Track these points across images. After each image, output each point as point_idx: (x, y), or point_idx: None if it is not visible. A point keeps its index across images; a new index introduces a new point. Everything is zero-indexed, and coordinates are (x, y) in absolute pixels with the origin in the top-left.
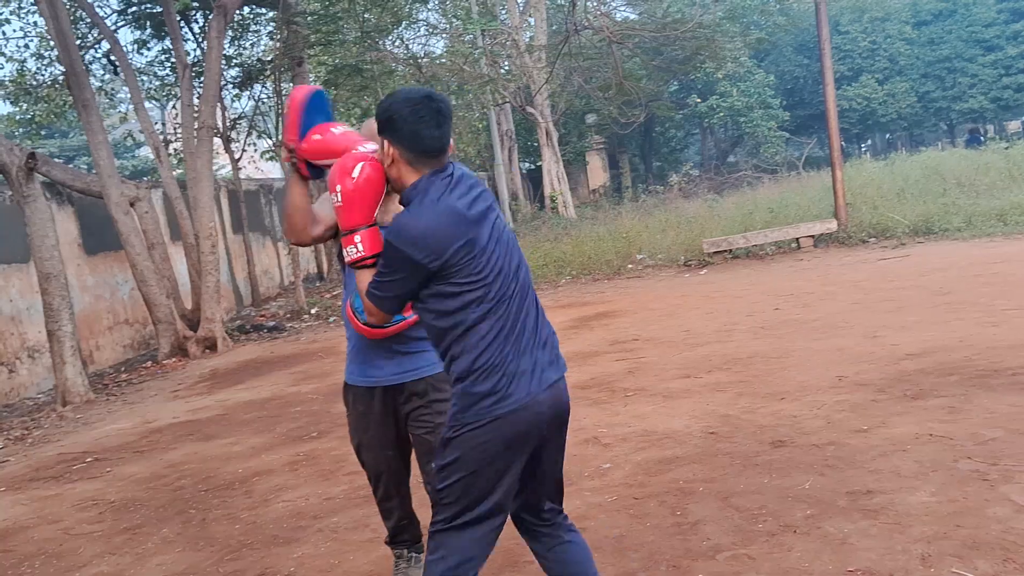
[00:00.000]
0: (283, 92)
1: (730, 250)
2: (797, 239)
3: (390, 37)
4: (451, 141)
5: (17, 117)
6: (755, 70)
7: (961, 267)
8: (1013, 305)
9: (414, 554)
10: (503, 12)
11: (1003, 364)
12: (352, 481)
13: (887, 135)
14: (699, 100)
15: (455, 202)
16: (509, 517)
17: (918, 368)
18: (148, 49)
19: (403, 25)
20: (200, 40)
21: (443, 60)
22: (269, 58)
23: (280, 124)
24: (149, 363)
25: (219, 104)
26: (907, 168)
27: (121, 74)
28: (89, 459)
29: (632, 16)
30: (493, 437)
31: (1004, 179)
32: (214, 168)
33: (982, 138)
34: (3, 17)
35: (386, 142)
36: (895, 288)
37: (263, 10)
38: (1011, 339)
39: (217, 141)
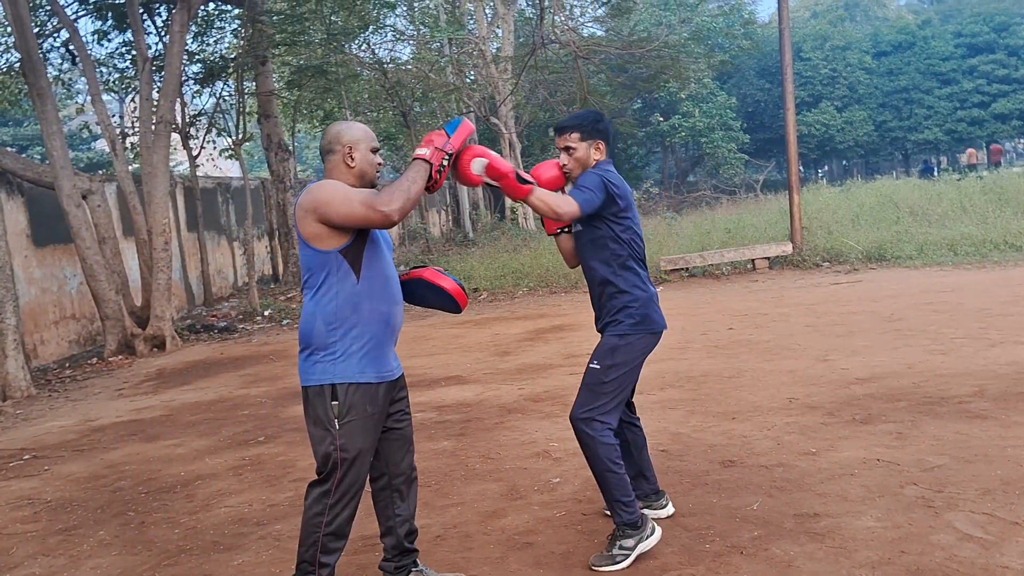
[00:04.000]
0: (246, 90)
1: (687, 268)
2: (753, 260)
3: (356, 41)
4: None
5: None
6: (717, 92)
7: (912, 294)
8: (961, 334)
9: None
10: (471, 22)
11: (950, 392)
12: (298, 488)
13: (844, 162)
14: (661, 119)
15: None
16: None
17: (867, 393)
18: (108, 40)
19: (370, 29)
20: (162, 34)
21: (409, 66)
22: (232, 56)
23: (241, 123)
24: (95, 360)
25: (179, 100)
26: (862, 195)
27: (79, 64)
28: (27, 456)
29: (599, 33)
30: (646, 347)
31: (956, 210)
32: (171, 164)
33: (935, 169)
34: None
35: (602, 142)
36: (847, 312)
37: (228, 7)
38: (958, 367)
39: (175, 137)
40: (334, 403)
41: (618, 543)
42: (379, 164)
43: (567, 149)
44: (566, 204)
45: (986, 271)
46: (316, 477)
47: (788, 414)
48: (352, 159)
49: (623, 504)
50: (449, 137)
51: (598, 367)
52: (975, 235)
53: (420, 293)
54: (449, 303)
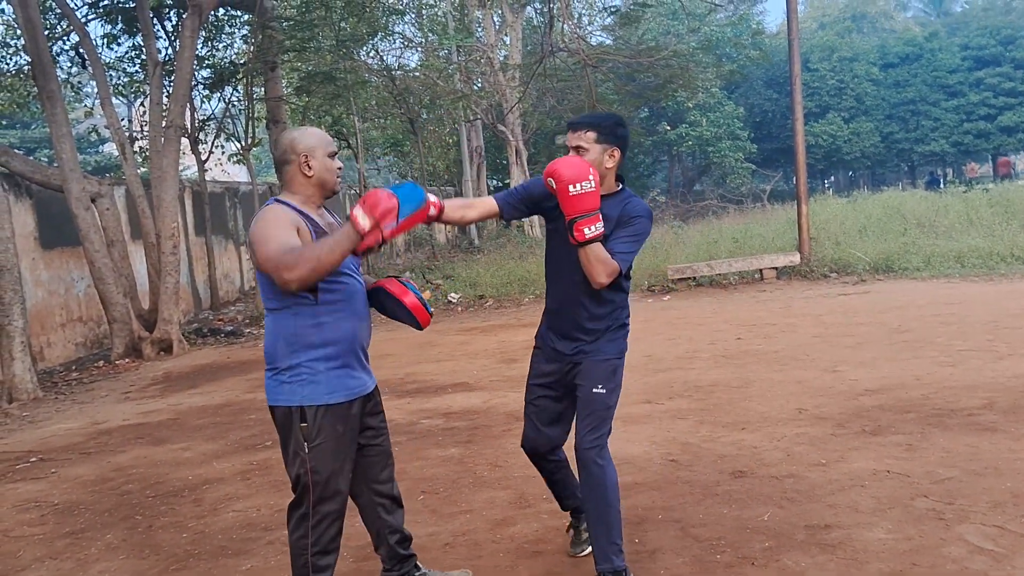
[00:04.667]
0: (255, 96)
1: (694, 277)
2: (760, 270)
3: (365, 47)
4: None
5: None
6: (725, 101)
7: (919, 306)
8: (969, 346)
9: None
10: (479, 29)
11: (959, 404)
12: None
13: (850, 172)
14: (669, 128)
15: None
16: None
17: (876, 404)
18: (118, 44)
19: (379, 36)
20: (172, 38)
21: (417, 73)
22: (242, 61)
23: (250, 128)
24: (101, 363)
25: (188, 104)
26: (869, 206)
27: (89, 68)
28: (34, 459)
29: (607, 41)
30: None
31: (963, 222)
32: (180, 168)
33: (941, 181)
34: None
35: (618, 149)
36: (855, 323)
37: (239, 13)
38: (967, 380)
39: (184, 141)
40: (303, 425)
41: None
42: (339, 168)
43: (577, 149)
44: (608, 269)
45: (993, 283)
46: (291, 503)
47: (798, 425)
48: (309, 168)
49: (618, 548)
50: (399, 220)
51: (604, 391)
52: (982, 247)
53: (389, 306)
54: (410, 319)
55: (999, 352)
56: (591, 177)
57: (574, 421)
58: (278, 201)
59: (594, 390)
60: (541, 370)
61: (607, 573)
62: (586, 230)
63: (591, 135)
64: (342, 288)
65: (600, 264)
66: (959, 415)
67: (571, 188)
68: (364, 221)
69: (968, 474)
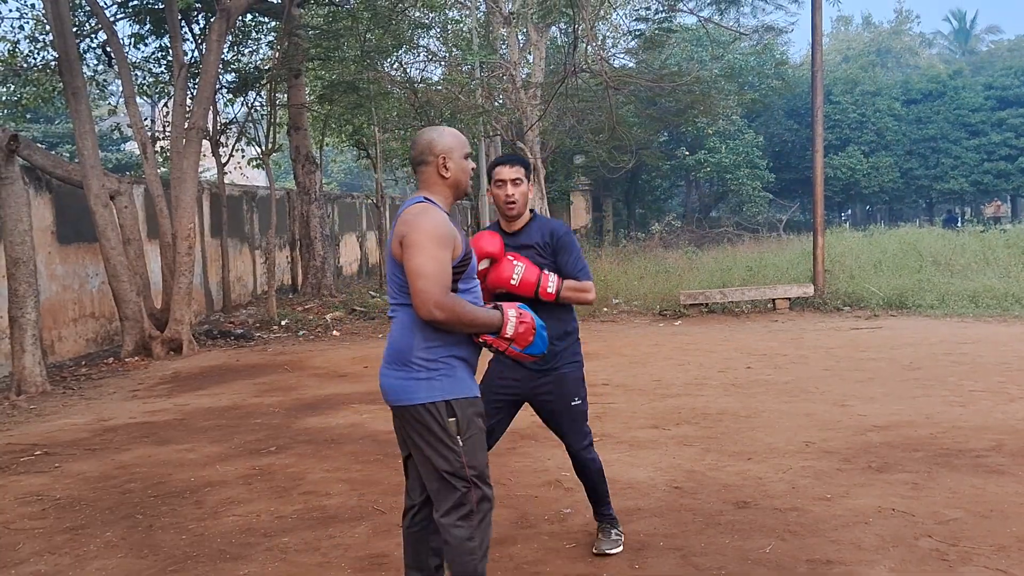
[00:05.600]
0: (277, 102)
1: (706, 304)
2: (773, 300)
3: (389, 59)
4: None
5: (4, 98)
6: (745, 129)
7: (931, 344)
8: (981, 387)
9: None
10: (503, 47)
11: (967, 445)
12: (307, 501)
13: (868, 207)
14: (687, 153)
15: None
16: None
17: (884, 441)
18: (145, 45)
19: (403, 49)
20: (199, 41)
21: (439, 87)
22: (267, 67)
23: (271, 133)
24: (111, 359)
25: (211, 107)
26: (885, 241)
27: (115, 66)
28: (38, 452)
29: (630, 64)
30: None
31: (979, 261)
32: (199, 170)
33: (959, 219)
34: None
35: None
36: (866, 358)
37: (266, 19)
38: (977, 421)
39: (205, 144)
40: (451, 420)
41: (616, 529)
42: (473, 168)
43: (515, 181)
44: (590, 290)
45: (1007, 325)
46: (446, 507)
47: (804, 457)
48: (447, 169)
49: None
50: (518, 351)
51: (579, 402)
52: (997, 288)
53: None
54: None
55: (1010, 394)
56: (516, 267)
57: (557, 431)
58: (431, 202)
59: (572, 403)
60: (501, 384)
61: (613, 517)
62: (548, 288)
63: (523, 171)
64: (474, 290)
65: (580, 293)
66: (967, 456)
67: (512, 281)
68: (510, 330)
69: (973, 516)
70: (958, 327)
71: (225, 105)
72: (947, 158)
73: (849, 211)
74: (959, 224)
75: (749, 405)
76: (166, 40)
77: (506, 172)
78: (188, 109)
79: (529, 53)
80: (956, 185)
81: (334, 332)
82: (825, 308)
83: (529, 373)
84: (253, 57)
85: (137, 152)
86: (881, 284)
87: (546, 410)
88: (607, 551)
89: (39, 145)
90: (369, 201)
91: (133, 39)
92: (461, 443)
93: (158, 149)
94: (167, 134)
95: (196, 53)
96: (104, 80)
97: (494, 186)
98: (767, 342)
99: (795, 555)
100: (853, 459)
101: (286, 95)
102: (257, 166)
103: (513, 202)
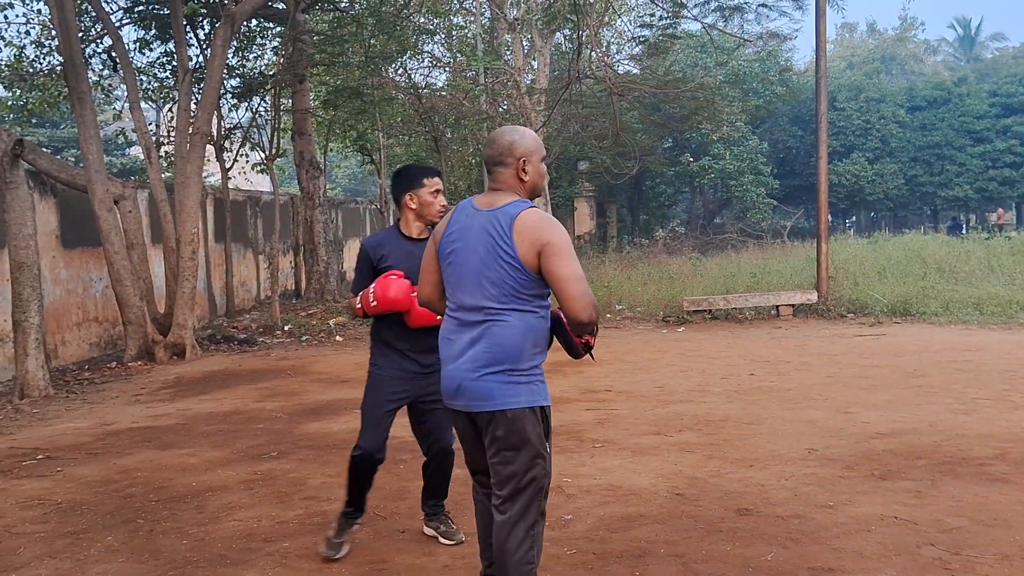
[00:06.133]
0: (282, 107)
1: (710, 310)
2: (777, 307)
3: (393, 65)
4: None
5: (9, 103)
6: (750, 136)
7: (935, 351)
8: (984, 395)
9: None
10: (508, 53)
11: (971, 453)
12: (308, 507)
13: (872, 213)
14: (692, 159)
15: None
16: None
17: (887, 448)
18: (150, 50)
19: (408, 54)
20: (204, 46)
21: (443, 93)
22: (271, 72)
23: (275, 138)
24: (114, 364)
25: (216, 112)
26: (889, 248)
27: (120, 71)
28: (40, 456)
29: (634, 71)
30: None
31: (983, 269)
32: (203, 175)
33: (963, 227)
34: (7, 1)
35: None
36: (870, 366)
37: (271, 25)
38: (980, 429)
39: (209, 149)
40: (543, 424)
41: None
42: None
43: (439, 192)
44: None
45: (1012, 332)
46: (516, 515)
47: (806, 465)
48: (525, 172)
49: None
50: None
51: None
52: (1002, 295)
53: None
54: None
55: (1014, 402)
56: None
57: (432, 430)
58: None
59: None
60: (392, 391)
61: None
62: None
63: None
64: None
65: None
66: (970, 464)
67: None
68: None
69: (977, 524)
70: (962, 334)
71: (229, 110)
72: (952, 165)
73: (853, 218)
74: (964, 231)
75: (752, 412)
76: (171, 45)
77: (439, 182)
78: (192, 114)
79: (533, 59)
80: (961, 192)
81: (337, 337)
82: (829, 315)
83: (415, 376)
84: (257, 62)
85: (141, 157)
86: (885, 291)
87: (429, 410)
88: (453, 540)
89: (44, 149)
90: (373, 207)
91: (138, 44)
92: (548, 450)
93: (162, 154)
94: (171, 139)
95: (201, 58)
96: (109, 85)
97: (428, 194)
98: (770, 349)
99: (797, 563)
100: (856, 466)
101: (290, 100)
102: (261, 171)
103: (444, 212)
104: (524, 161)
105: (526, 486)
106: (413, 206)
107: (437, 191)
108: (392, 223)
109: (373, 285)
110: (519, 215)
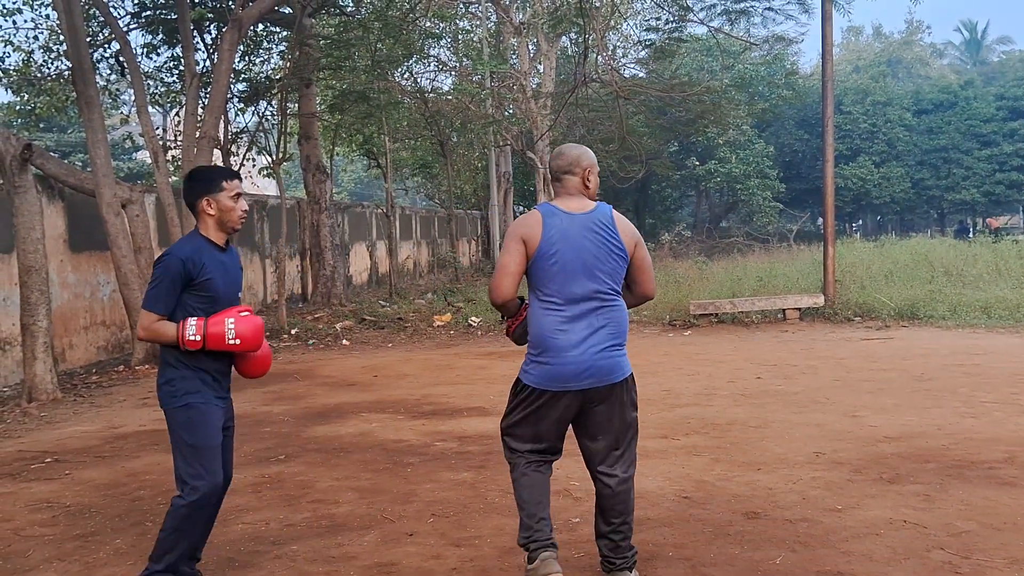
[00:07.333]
0: (288, 111)
1: (716, 314)
2: (784, 310)
3: (400, 69)
4: None
5: (18, 107)
6: (756, 139)
7: (943, 355)
8: (993, 398)
9: None
10: (514, 56)
11: (980, 456)
12: (316, 509)
13: (879, 217)
14: (698, 163)
15: None
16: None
17: (895, 452)
18: (158, 54)
19: (414, 59)
20: (211, 51)
21: (449, 97)
22: (278, 77)
23: (282, 143)
24: (122, 367)
25: (223, 116)
26: (897, 252)
27: (128, 76)
28: (49, 459)
29: (641, 74)
30: None
31: (991, 272)
32: None
33: (971, 230)
34: (15, 6)
35: None
36: (877, 369)
37: (277, 29)
38: (989, 432)
39: (216, 153)
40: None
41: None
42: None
43: (240, 196)
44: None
45: (1020, 335)
46: (628, 465)
47: (814, 468)
48: (590, 181)
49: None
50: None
51: (637, 414)
52: (1010, 299)
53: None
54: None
55: (1022, 405)
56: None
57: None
58: None
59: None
60: (220, 410)
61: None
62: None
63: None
64: None
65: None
66: (979, 468)
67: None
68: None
69: (986, 528)
70: (970, 338)
71: (236, 114)
72: (958, 168)
73: (860, 221)
74: (971, 235)
75: (759, 415)
76: (178, 50)
77: (239, 185)
78: (200, 118)
79: (539, 63)
80: (968, 196)
81: (344, 341)
82: (836, 318)
83: (227, 402)
84: (264, 67)
85: (149, 161)
86: (892, 294)
87: (230, 427)
88: None
89: (52, 154)
90: (379, 211)
91: (146, 49)
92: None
93: (170, 158)
94: (179, 143)
95: (208, 63)
96: (117, 90)
97: (228, 199)
98: (777, 352)
99: (805, 567)
100: (864, 470)
101: (297, 105)
102: (268, 175)
103: (246, 217)
104: (588, 171)
105: (637, 430)
106: (212, 212)
107: (238, 195)
108: (195, 229)
109: (232, 321)
110: (614, 215)
